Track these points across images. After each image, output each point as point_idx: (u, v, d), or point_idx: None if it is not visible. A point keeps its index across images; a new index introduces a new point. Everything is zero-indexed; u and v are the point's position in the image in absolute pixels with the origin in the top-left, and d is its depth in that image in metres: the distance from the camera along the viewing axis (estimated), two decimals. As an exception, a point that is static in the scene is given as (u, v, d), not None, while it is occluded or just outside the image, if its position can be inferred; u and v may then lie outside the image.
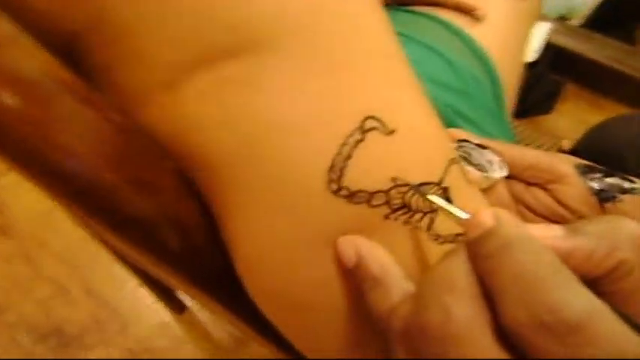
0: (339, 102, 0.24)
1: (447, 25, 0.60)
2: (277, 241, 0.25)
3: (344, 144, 0.24)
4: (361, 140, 0.24)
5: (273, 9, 0.23)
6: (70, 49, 0.24)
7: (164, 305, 0.99)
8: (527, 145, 0.97)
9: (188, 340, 0.96)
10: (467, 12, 0.60)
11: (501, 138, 0.57)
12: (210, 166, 0.25)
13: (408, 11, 0.65)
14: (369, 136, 0.24)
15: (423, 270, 0.27)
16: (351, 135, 0.24)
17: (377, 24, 0.26)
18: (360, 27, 0.25)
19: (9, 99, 0.21)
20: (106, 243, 0.70)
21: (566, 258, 0.20)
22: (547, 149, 0.97)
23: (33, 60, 0.22)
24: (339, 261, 0.25)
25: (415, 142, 0.26)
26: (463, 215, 0.24)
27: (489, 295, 0.19)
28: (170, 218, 0.27)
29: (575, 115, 1.54)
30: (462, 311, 0.19)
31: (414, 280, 0.25)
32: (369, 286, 0.25)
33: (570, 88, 1.61)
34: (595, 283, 0.21)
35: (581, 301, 0.17)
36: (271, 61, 0.23)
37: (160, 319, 0.99)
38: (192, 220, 0.28)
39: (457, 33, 0.59)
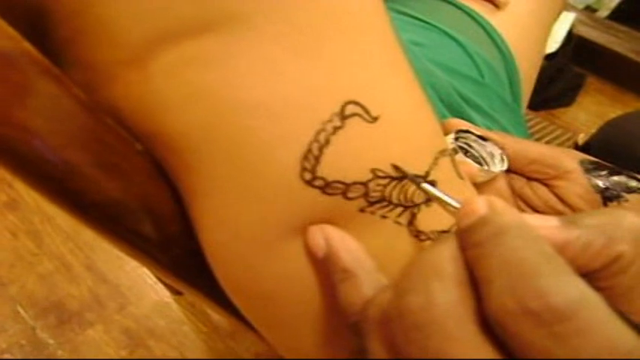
0: (317, 84, 0.22)
1: (467, 12, 0.59)
2: (245, 231, 0.24)
3: (321, 130, 0.22)
4: (340, 127, 0.22)
5: None
6: (34, 25, 0.22)
7: (164, 285, 0.99)
8: (541, 138, 0.94)
9: (186, 321, 0.96)
10: None
11: (514, 131, 0.56)
12: (175, 148, 0.24)
13: None
14: (349, 122, 0.23)
15: (400, 267, 0.26)
16: (329, 121, 0.22)
17: (365, 1, 0.24)
18: (344, 3, 0.23)
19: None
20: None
21: (561, 249, 0.19)
22: (562, 143, 0.94)
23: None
24: (310, 253, 0.24)
25: (400, 131, 0.24)
26: (458, 205, 0.22)
27: (477, 284, 0.18)
28: (142, 203, 0.26)
29: (596, 109, 1.51)
30: (445, 296, 0.18)
31: (389, 276, 0.24)
32: (339, 278, 0.23)
33: (592, 81, 1.57)
34: (591, 277, 0.20)
35: (572, 289, 0.16)
36: (244, 37, 0.21)
37: (159, 298, 1.00)
38: (167, 206, 0.27)
39: (477, 21, 0.58)
